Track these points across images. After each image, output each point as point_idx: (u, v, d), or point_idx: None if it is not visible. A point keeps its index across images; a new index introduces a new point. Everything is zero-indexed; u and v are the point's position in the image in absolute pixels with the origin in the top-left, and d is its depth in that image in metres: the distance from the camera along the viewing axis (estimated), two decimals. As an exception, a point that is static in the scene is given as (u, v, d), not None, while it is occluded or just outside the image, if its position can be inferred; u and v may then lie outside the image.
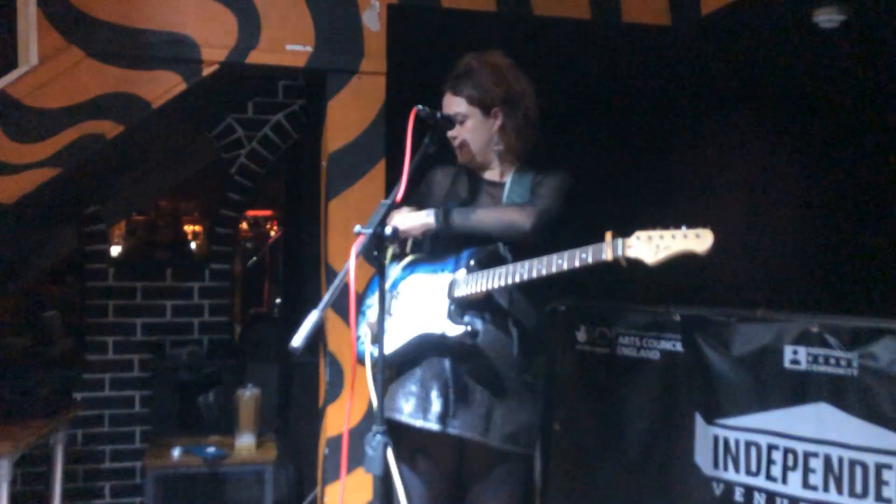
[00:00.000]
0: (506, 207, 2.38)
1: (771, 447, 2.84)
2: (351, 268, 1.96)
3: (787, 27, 3.73)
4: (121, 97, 3.15)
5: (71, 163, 3.14)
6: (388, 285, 2.41)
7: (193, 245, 5.98)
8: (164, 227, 5.67)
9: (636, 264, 1.95)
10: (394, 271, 2.47)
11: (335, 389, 3.29)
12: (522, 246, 2.26)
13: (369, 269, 2.22)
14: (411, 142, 2.19)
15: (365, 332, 2.37)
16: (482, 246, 2.31)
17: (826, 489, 2.67)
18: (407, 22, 3.45)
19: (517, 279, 2.14)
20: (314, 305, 1.94)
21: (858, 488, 2.59)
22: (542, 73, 2.67)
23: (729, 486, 2.96)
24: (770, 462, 2.84)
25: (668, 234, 1.92)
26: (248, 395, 4.04)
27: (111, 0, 3.14)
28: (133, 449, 4.54)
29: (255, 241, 8.86)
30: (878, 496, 2.54)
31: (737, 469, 2.94)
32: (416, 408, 2.32)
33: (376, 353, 2.12)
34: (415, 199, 2.48)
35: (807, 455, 2.74)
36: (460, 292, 2.26)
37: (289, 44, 3.30)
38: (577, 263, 2.02)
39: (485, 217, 2.34)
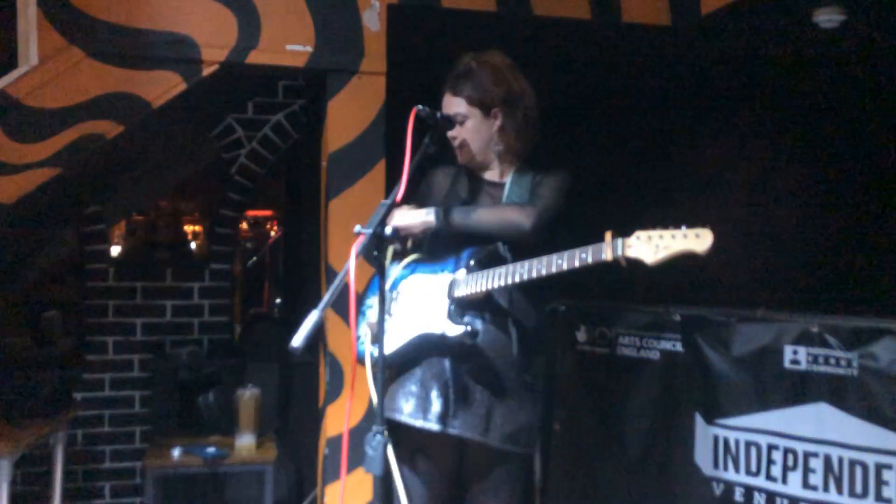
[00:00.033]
0: (506, 207, 2.38)
1: (771, 447, 2.85)
2: (351, 268, 1.96)
3: (787, 27, 3.73)
4: (121, 97, 3.15)
5: (71, 163, 3.14)
6: (388, 285, 2.41)
7: (193, 245, 5.98)
8: (164, 227, 5.66)
9: (636, 264, 1.95)
10: (394, 271, 2.47)
11: (335, 389, 3.29)
12: (522, 246, 2.26)
13: (369, 269, 2.22)
14: (411, 142, 2.19)
15: (365, 332, 2.37)
16: (482, 246, 2.31)
17: (826, 489, 2.68)
18: (407, 22, 3.45)
19: (517, 279, 2.14)
20: (314, 305, 1.94)
21: (858, 488, 2.60)
22: (542, 73, 2.67)
23: (729, 486, 2.96)
24: (770, 462, 2.85)
25: (667, 233, 1.92)
26: (248, 395, 4.04)
27: (111, 0, 3.14)
28: (133, 449, 4.54)
29: (255, 241, 8.85)
30: (878, 496, 2.55)
31: (737, 469, 2.95)
32: (416, 408, 2.32)
33: (376, 353, 2.12)
34: (415, 200, 2.48)
35: (807, 455, 2.74)
36: (460, 292, 2.26)
37: (289, 44, 3.30)
38: (576, 263, 2.02)
39: (485, 216, 2.34)
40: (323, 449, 3.36)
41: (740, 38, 3.91)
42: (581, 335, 3.54)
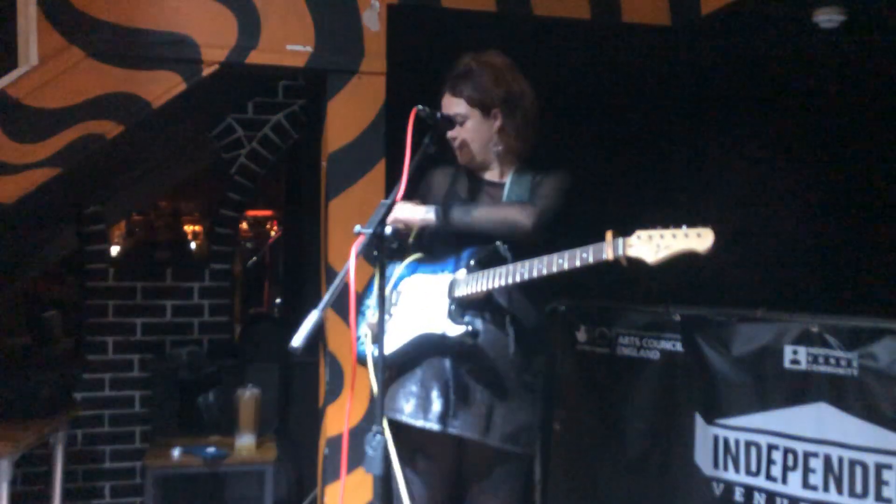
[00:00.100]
0: (506, 206, 2.38)
1: (771, 447, 2.85)
2: (351, 268, 1.96)
3: (787, 27, 3.73)
4: (121, 97, 3.15)
5: (71, 163, 3.14)
6: (388, 285, 2.41)
7: (193, 245, 5.98)
8: (164, 227, 5.67)
9: (637, 264, 1.95)
10: (394, 271, 2.47)
11: (335, 389, 3.28)
12: (522, 245, 2.26)
13: (369, 269, 2.22)
14: (411, 142, 2.19)
15: (365, 333, 2.37)
16: (482, 246, 2.30)
17: (826, 489, 2.68)
18: (407, 22, 3.45)
19: (518, 279, 2.14)
20: (314, 305, 1.94)
21: (858, 488, 2.60)
22: (542, 73, 2.66)
23: (729, 486, 2.96)
24: (770, 462, 2.85)
25: (668, 233, 1.92)
26: (248, 395, 4.04)
27: (111, 0, 3.14)
28: (133, 449, 4.54)
29: (255, 241, 8.86)
30: (878, 496, 2.55)
31: (737, 469, 2.95)
32: (417, 408, 2.32)
33: (377, 353, 2.12)
34: (414, 200, 2.48)
35: (807, 455, 2.75)
36: (460, 292, 2.26)
37: (289, 44, 3.30)
38: (577, 263, 2.02)
39: (485, 214, 2.34)
40: (323, 449, 3.36)
41: (740, 38, 3.91)
42: (581, 335, 3.54)
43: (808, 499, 2.72)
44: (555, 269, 2.06)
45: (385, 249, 2.11)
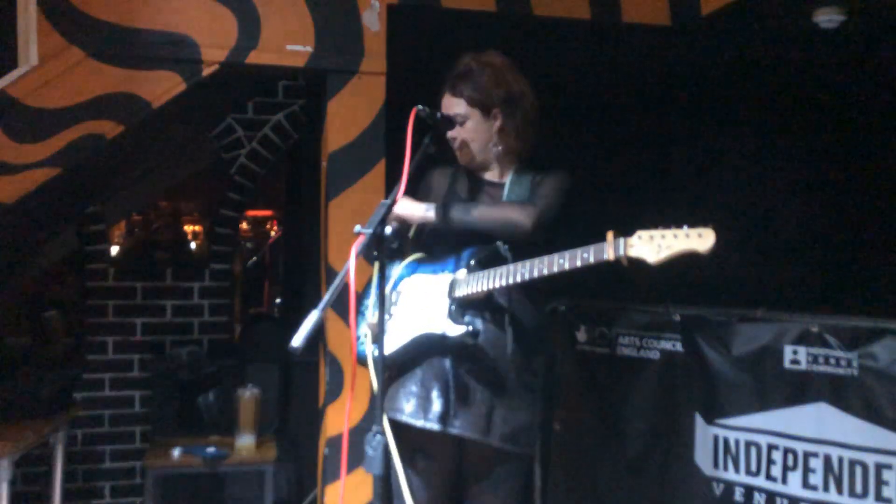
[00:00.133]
0: (506, 206, 2.38)
1: (771, 447, 2.85)
2: (351, 268, 1.96)
3: (787, 27, 3.73)
4: (121, 97, 3.15)
5: (71, 163, 3.14)
6: (388, 285, 2.41)
7: (193, 245, 5.98)
8: (163, 227, 5.66)
9: (638, 264, 1.95)
10: (394, 271, 2.47)
11: (335, 389, 3.28)
12: (521, 245, 2.26)
13: (369, 269, 2.22)
14: (411, 142, 2.19)
15: (365, 333, 2.37)
16: (482, 245, 2.30)
17: (826, 489, 2.68)
18: (407, 22, 3.45)
19: (518, 279, 2.14)
20: (314, 305, 1.94)
21: (858, 488, 2.60)
22: (542, 73, 2.66)
23: (729, 486, 2.96)
24: (770, 462, 2.85)
25: (669, 233, 1.91)
26: (248, 395, 4.04)
27: (111, 0, 3.14)
28: (133, 449, 4.54)
29: (255, 241, 8.86)
30: (878, 496, 2.55)
31: (737, 469, 2.95)
32: (417, 408, 2.32)
33: (377, 353, 2.12)
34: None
35: (807, 455, 2.75)
36: (461, 292, 2.26)
37: (289, 44, 3.30)
38: (578, 263, 2.02)
39: (485, 214, 2.33)
40: (323, 449, 3.36)
41: (740, 38, 3.91)
42: (581, 335, 3.54)
43: (808, 499, 2.72)
44: (556, 270, 2.06)
45: (385, 249, 2.11)
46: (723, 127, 4.82)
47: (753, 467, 2.90)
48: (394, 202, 2.17)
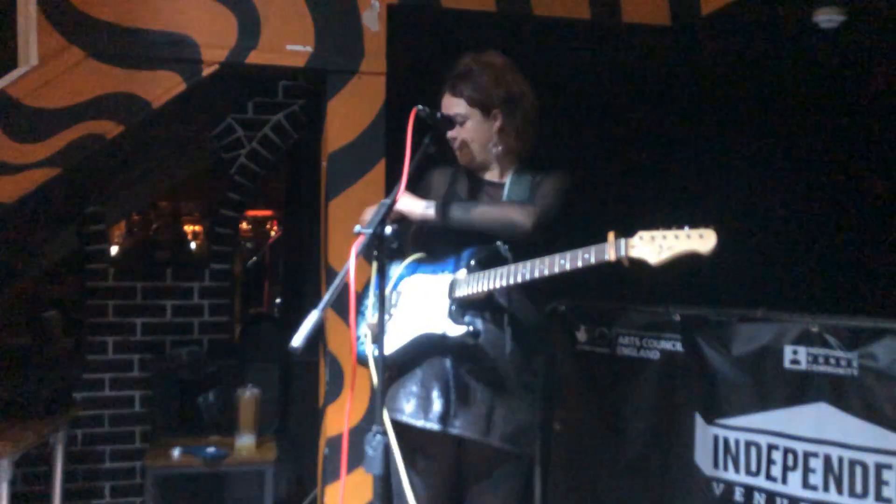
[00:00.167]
0: (506, 205, 2.38)
1: (771, 447, 2.85)
2: (351, 268, 1.96)
3: (787, 27, 3.73)
4: (121, 97, 3.15)
5: (71, 163, 3.14)
6: (388, 286, 2.41)
7: (193, 245, 5.98)
8: (163, 226, 5.67)
9: (639, 264, 1.94)
10: (394, 271, 2.47)
11: (335, 389, 3.29)
12: (521, 245, 2.26)
13: (369, 268, 2.22)
14: (411, 142, 2.18)
15: (365, 333, 2.37)
16: (482, 245, 2.30)
17: (826, 489, 2.68)
18: (407, 22, 3.45)
19: (519, 279, 2.14)
20: (314, 305, 1.94)
21: (858, 488, 2.60)
22: (542, 73, 2.66)
23: (729, 486, 2.96)
24: (770, 462, 2.85)
25: (671, 234, 1.91)
26: (248, 395, 4.04)
27: (111, 0, 3.14)
28: (133, 449, 4.54)
29: (255, 241, 8.86)
30: (878, 496, 2.55)
31: (737, 469, 2.95)
32: (417, 408, 2.32)
33: (377, 353, 2.12)
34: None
35: (807, 455, 2.75)
36: (461, 292, 2.26)
37: (289, 44, 3.30)
38: (579, 264, 2.02)
39: (485, 213, 2.33)
40: (323, 449, 3.36)
41: (740, 38, 3.91)
42: (581, 335, 3.54)
43: (808, 499, 2.72)
44: (556, 270, 2.06)
45: (385, 249, 2.10)
46: (723, 127, 4.82)
47: (753, 467, 2.90)
48: (394, 202, 2.17)
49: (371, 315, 2.31)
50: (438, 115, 2.36)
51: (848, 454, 2.63)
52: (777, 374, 2.84)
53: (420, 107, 2.28)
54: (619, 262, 1.95)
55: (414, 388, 2.35)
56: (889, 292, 4.40)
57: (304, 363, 4.01)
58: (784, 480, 2.80)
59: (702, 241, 1.88)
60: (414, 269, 2.44)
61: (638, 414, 3.29)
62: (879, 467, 2.56)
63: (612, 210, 4.39)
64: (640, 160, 4.84)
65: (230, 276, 4.94)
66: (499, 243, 2.28)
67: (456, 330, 2.23)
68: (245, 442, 4.03)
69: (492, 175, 2.50)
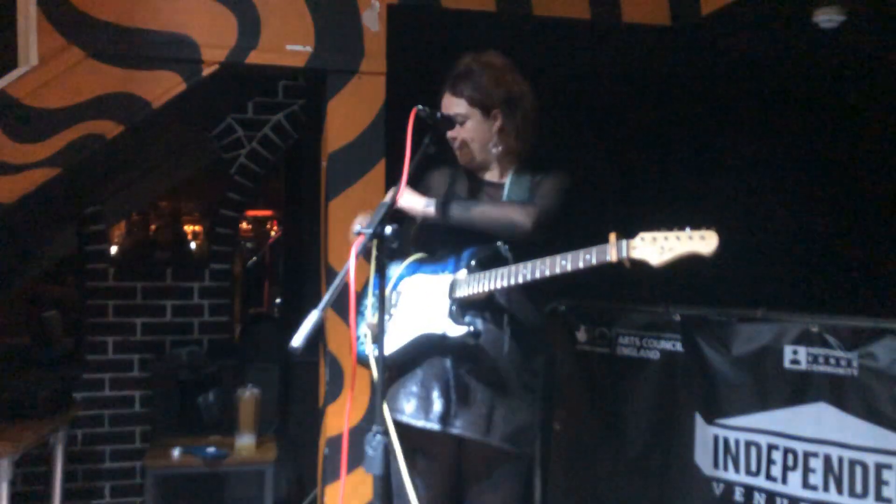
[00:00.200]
0: (506, 205, 2.38)
1: (771, 447, 2.85)
2: (351, 268, 1.96)
3: (787, 27, 3.73)
4: (121, 97, 3.15)
5: (71, 163, 3.14)
6: (389, 286, 2.41)
7: (193, 245, 5.98)
8: (163, 226, 5.67)
9: (639, 265, 1.94)
10: (394, 271, 2.47)
11: (335, 389, 3.29)
12: (521, 245, 2.26)
13: (369, 268, 2.21)
14: (411, 142, 2.18)
15: (365, 333, 2.37)
16: (483, 245, 2.30)
17: (826, 489, 2.68)
18: (407, 22, 3.45)
19: (520, 280, 2.13)
20: (314, 305, 1.94)
21: (858, 488, 2.60)
22: (542, 73, 2.66)
23: (729, 486, 2.96)
24: (770, 462, 2.85)
25: (672, 235, 1.90)
26: (248, 395, 4.04)
27: (111, 0, 3.14)
28: (133, 449, 4.54)
29: (255, 241, 8.86)
30: (878, 496, 2.55)
31: (737, 469, 2.95)
32: (418, 408, 2.32)
33: (377, 353, 2.12)
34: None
35: (807, 455, 2.75)
36: (462, 292, 2.26)
37: (289, 44, 3.30)
38: (580, 264, 2.01)
39: (485, 213, 2.33)
40: (323, 449, 3.36)
41: (740, 38, 3.91)
42: (581, 335, 3.54)
43: (808, 499, 2.72)
44: (558, 271, 2.06)
45: (385, 249, 2.10)
46: (723, 127, 4.82)
47: (753, 467, 2.90)
48: (394, 202, 2.17)
49: (371, 315, 2.31)
50: (438, 115, 2.36)
51: (848, 454, 2.63)
52: (777, 374, 2.84)
53: (420, 107, 2.27)
54: (620, 263, 1.95)
55: (414, 389, 2.35)
56: (889, 292, 4.40)
57: (304, 363, 4.01)
58: (784, 480, 2.80)
59: (703, 242, 1.87)
60: (414, 269, 2.44)
61: (638, 414, 3.29)
62: (879, 467, 2.56)
63: (612, 210, 4.39)
64: (640, 160, 4.84)
65: (230, 276, 4.95)
66: (499, 243, 2.28)
67: (456, 330, 2.23)
68: (245, 442, 4.03)
69: (492, 175, 2.50)
